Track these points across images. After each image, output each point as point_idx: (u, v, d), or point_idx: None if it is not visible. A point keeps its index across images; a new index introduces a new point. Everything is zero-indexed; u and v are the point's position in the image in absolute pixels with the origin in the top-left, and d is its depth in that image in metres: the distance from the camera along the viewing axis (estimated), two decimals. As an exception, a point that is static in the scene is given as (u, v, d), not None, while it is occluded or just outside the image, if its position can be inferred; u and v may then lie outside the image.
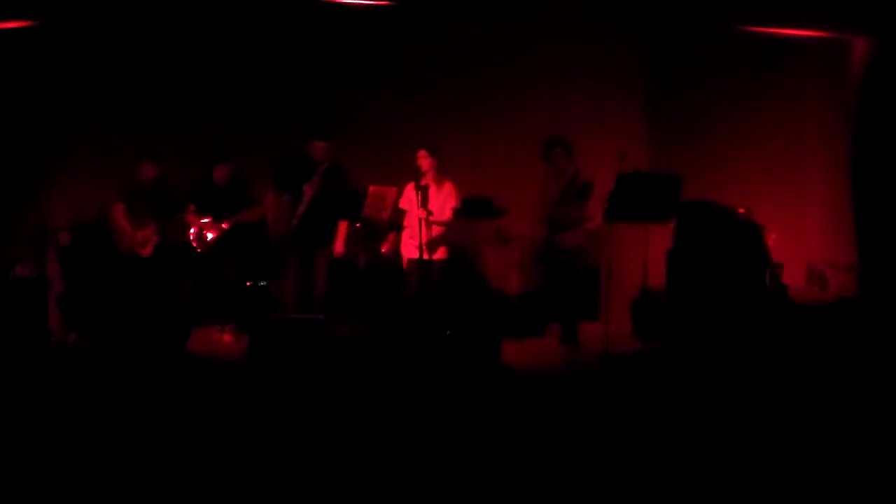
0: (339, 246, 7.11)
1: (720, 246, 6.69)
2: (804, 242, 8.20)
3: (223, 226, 7.32)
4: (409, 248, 7.02)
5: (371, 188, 7.17)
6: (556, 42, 8.77)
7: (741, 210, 7.27)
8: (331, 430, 4.85)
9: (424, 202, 6.82)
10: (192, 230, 7.32)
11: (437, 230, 6.94)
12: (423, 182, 6.86)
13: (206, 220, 7.30)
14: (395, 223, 7.38)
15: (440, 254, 6.99)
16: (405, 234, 7.12)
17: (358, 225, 8.02)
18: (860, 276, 7.37)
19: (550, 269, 7.29)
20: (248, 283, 7.72)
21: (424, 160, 6.88)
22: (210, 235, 7.27)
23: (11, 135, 7.97)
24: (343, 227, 7.14)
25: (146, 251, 7.35)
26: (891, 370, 5.62)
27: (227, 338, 7.34)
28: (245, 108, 8.62)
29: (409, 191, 7.00)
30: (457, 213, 7.09)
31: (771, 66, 8.20)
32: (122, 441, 4.31)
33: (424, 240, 6.75)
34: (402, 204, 7.04)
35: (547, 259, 7.31)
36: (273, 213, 7.14)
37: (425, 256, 6.80)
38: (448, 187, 6.98)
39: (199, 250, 7.28)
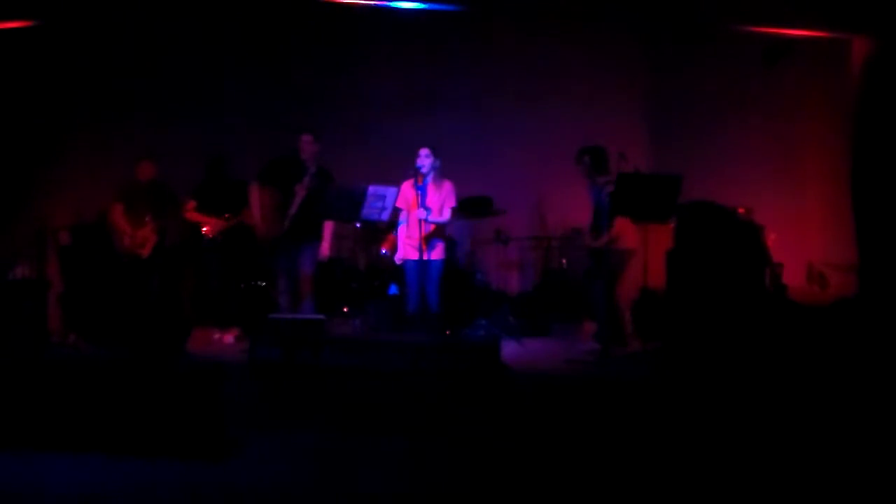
0: (325, 248, 7.07)
1: (720, 246, 6.68)
2: (804, 242, 8.20)
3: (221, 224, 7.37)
4: (406, 248, 7.01)
5: (370, 188, 7.16)
6: (556, 42, 8.78)
7: (741, 210, 7.26)
8: (330, 431, 4.85)
9: (423, 201, 6.81)
10: (204, 228, 7.38)
11: (433, 228, 6.92)
12: (421, 181, 6.85)
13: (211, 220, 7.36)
14: (395, 223, 7.38)
15: (438, 254, 6.97)
16: (402, 233, 7.10)
17: (357, 225, 8.03)
18: (860, 276, 7.37)
19: (596, 272, 7.15)
20: (250, 283, 7.73)
21: (426, 159, 6.87)
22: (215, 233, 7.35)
23: (11, 135, 7.98)
24: (329, 228, 7.10)
25: (145, 251, 7.35)
26: (891, 370, 5.62)
27: (226, 338, 7.35)
28: (243, 108, 8.65)
29: (407, 189, 6.97)
30: (455, 212, 7.08)
31: (771, 66, 8.20)
32: (122, 442, 4.32)
33: (422, 237, 6.73)
34: (399, 203, 7.02)
35: (596, 265, 7.17)
36: (258, 211, 7.08)
37: (423, 256, 6.80)
38: (447, 187, 6.97)
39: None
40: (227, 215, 7.39)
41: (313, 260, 7.02)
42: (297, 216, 6.92)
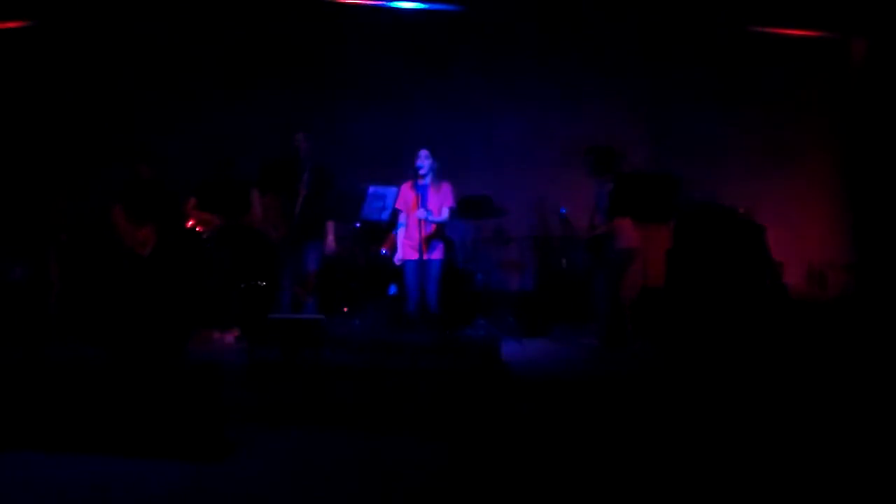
0: (330, 241, 7.08)
1: (720, 246, 6.69)
2: (804, 242, 8.21)
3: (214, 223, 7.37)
4: (406, 249, 7.02)
5: (370, 188, 7.17)
6: (556, 42, 8.79)
7: (741, 210, 7.27)
8: (330, 431, 4.86)
9: (423, 202, 6.82)
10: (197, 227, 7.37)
11: (433, 229, 6.93)
12: (421, 182, 6.86)
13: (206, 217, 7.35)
14: (395, 224, 7.39)
15: (438, 254, 6.98)
16: (401, 235, 7.11)
17: (357, 225, 8.03)
18: (859, 275, 7.38)
19: (595, 269, 7.17)
20: (250, 283, 7.73)
21: (425, 160, 6.88)
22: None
23: (11, 135, 7.99)
24: (332, 223, 7.11)
25: (145, 251, 7.35)
26: (890, 369, 5.62)
27: (226, 338, 7.36)
28: (243, 108, 8.66)
29: (406, 191, 6.98)
30: (454, 213, 7.09)
31: None
32: (122, 442, 4.32)
33: (422, 238, 6.73)
34: (399, 204, 7.02)
35: (595, 262, 7.18)
36: (262, 216, 7.07)
37: (423, 257, 6.80)
38: (446, 188, 6.98)
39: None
40: (223, 217, 7.39)
41: (318, 258, 7.03)
42: (301, 216, 6.93)
